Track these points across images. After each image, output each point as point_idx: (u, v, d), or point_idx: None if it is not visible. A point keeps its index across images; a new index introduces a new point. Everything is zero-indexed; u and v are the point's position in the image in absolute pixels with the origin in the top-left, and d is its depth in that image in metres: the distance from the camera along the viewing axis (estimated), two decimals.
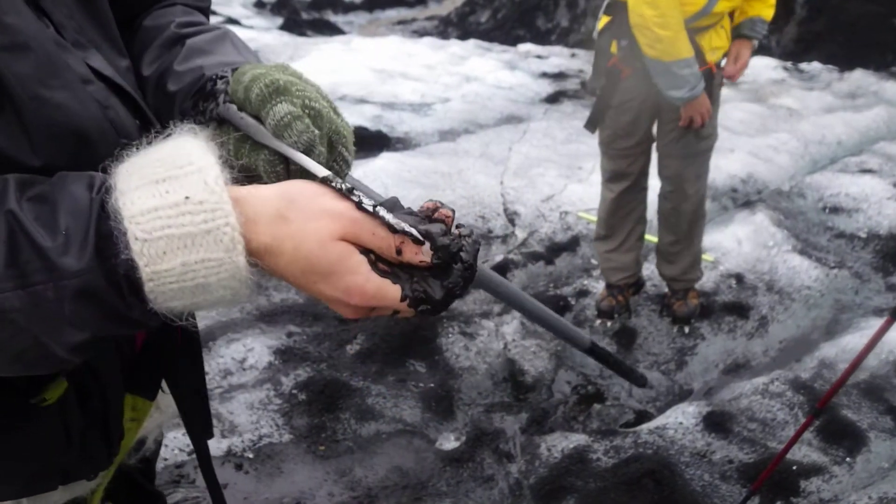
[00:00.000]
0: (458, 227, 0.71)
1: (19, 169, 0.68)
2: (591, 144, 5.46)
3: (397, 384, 3.04)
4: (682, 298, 3.48)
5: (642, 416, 3.05)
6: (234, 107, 0.79)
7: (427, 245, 0.67)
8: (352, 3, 15.19)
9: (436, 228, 0.68)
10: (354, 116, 5.96)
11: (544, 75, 7.71)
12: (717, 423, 2.82)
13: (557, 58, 8.61)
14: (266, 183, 0.76)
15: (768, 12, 3.10)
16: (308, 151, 0.75)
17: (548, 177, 4.82)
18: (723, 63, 3.13)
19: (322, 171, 0.71)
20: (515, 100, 6.85)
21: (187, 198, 0.63)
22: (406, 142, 5.73)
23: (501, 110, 6.51)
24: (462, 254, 0.68)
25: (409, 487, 2.59)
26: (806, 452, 2.69)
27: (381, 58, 7.84)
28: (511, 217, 4.40)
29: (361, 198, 0.67)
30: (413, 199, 4.51)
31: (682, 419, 2.84)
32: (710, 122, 3.09)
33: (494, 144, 5.46)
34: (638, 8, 2.75)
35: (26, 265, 0.61)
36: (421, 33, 12.72)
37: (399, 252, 0.67)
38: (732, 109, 6.30)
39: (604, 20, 3.08)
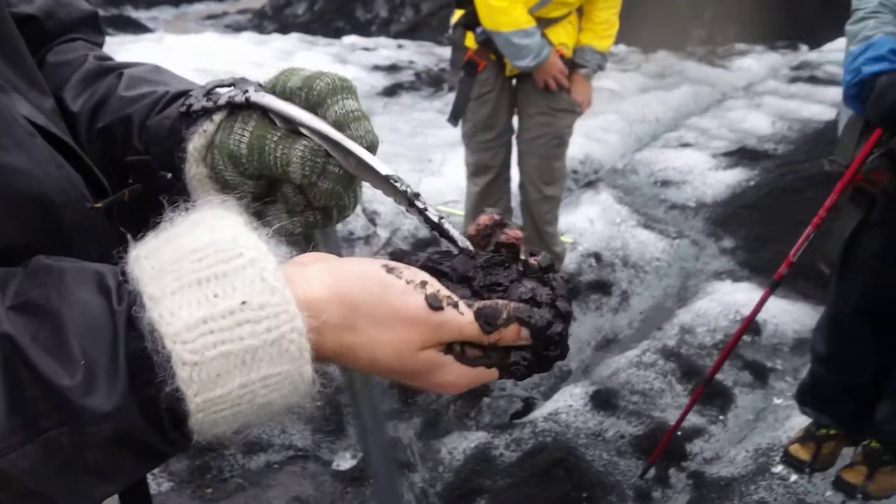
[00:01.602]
0: (531, 254, 0.61)
1: None
2: (437, 137, 5.50)
3: None
4: None
5: (530, 404, 3.11)
6: (272, 95, 0.67)
7: (528, 332, 0.56)
8: None
9: (525, 290, 0.57)
10: None
11: (377, 68, 7.66)
12: (603, 400, 2.94)
13: (385, 49, 8.58)
14: (284, 183, 0.66)
15: (601, 44, 3.16)
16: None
17: (400, 172, 4.71)
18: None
19: (385, 169, 0.61)
20: None
21: (244, 303, 0.49)
22: None
23: None
24: (562, 320, 0.58)
25: None
26: (686, 417, 2.87)
27: (201, 56, 7.42)
28: (371, 217, 4.33)
29: (437, 276, 0.55)
30: None
31: (570, 402, 2.93)
32: (569, 129, 3.20)
33: None
34: None
35: (34, 409, 0.46)
36: (236, 28, 12.23)
37: (494, 345, 0.57)
38: None
39: (457, 14, 3.10)
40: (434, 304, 0.54)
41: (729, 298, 3.64)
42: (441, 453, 2.72)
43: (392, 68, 7.74)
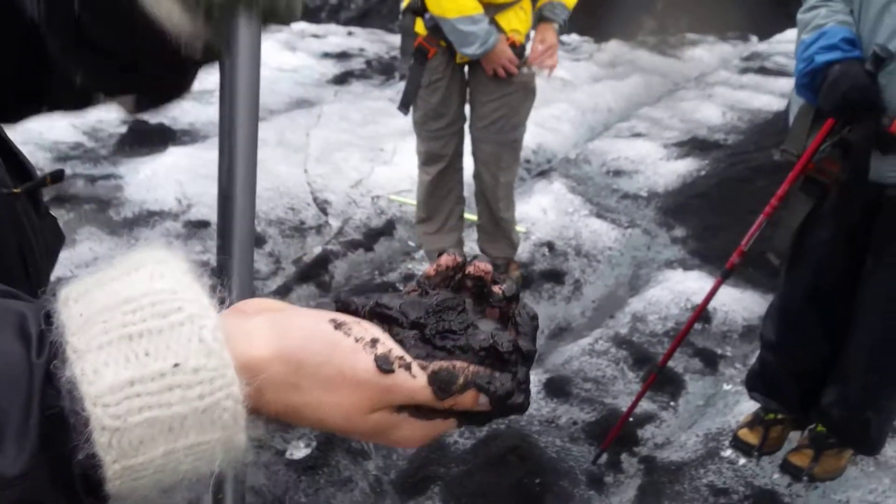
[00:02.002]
0: (494, 282, 0.57)
1: None
2: (389, 125, 5.44)
3: None
4: (505, 272, 3.58)
5: None
6: None
7: (486, 399, 0.52)
8: None
9: (484, 338, 0.52)
10: None
11: (327, 56, 7.55)
12: (556, 388, 2.95)
13: (335, 37, 8.46)
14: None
15: (569, 1, 3.15)
16: None
17: (352, 161, 4.73)
18: (528, 53, 3.17)
19: None
20: (302, 82, 6.64)
21: (177, 365, 0.45)
22: (193, 134, 5.34)
23: (290, 94, 6.28)
24: (521, 391, 0.53)
25: None
26: (638, 404, 2.89)
27: None
28: (322, 206, 4.26)
29: (388, 352, 0.50)
30: (214, 195, 4.20)
31: None
32: (522, 113, 3.19)
33: (290, 131, 5.25)
34: None
35: None
36: None
37: (448, 410, 0.53)
38: None
39: None
40: (384, 366, 0.50)
41: (680, 287, 3.68)
42: None
43: (342, 56, 7.64)
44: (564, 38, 9.12)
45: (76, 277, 0.49)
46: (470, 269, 0.57)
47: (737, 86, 7.03)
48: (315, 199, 4.32)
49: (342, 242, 3.96)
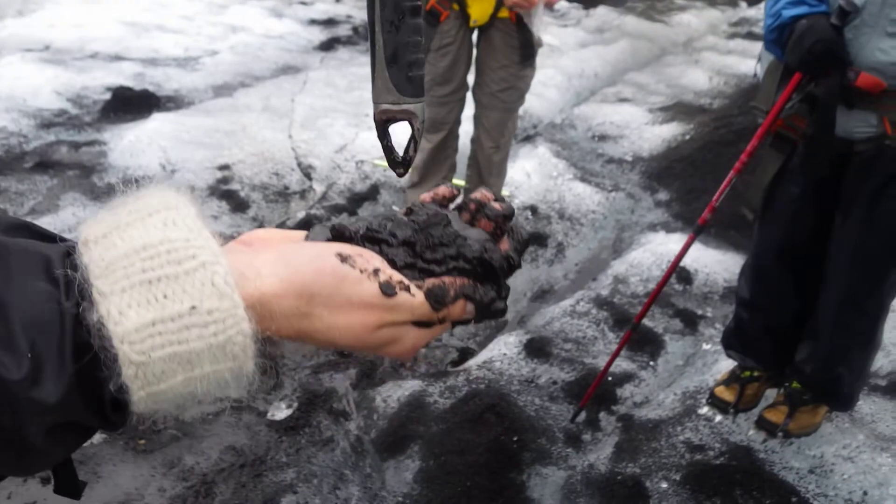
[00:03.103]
0: (496, 199, 0.65)
1: None
2: None
3: None
4: None
5: (466, 354, 3.13)
6: None
7: (472, 307, 0.61)
8: None
9: (476, 247, 0.61)
10: (112, 75, 5.39)
11: (313, 22, 7.47)
12: (537, 348, 2.97)
13: (322, 4, 8.37)
14: None
15: None
16: None
17: (337, 126, 4.71)
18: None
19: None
20: (288, 49, 6.57)
21: (193, 307, 0.50)
22: (178, 100, 5.29)
23: (276, 60, 6.22)
24: (499, 296, 0.63)
25: (248, 465, 2.46)
26: (617, 363, 2.92)
27: (131, 10, 7.13)
28: (306, 171, 4.25)
29: (389, 279, 0.58)
30: (199, 161, 4.21)
31: (505, 350, 2.96)
32: (527, 82, 3.15)
33: (275, 97, 5.22)
34: None
35: None
36: None
37: (442, 319, 0.61)
38: None
39: None
40: (387, 291, 0.57)
41: (662, 249, 3.71)
42: (376, 402, 2.72)
43: (329, 22, 7.56)
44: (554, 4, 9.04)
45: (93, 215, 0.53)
46: (476, 195, 0.64)
47: (724, 51, 7.01)
48: (299, 165, 4.31)
49: (326, 207, 3.96)
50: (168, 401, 0.51)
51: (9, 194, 3.86)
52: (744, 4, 8.96)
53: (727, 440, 2.60)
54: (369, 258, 0.59)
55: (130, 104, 5.04)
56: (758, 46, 7.29)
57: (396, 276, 0.58)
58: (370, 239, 0.61)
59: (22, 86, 4.95)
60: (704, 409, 2.72)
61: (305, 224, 3.78)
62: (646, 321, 3.20)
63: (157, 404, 0.51)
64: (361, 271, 0.57)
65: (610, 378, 2.84)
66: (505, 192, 4.08)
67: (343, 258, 0.57)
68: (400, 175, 0.71)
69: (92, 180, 4.11)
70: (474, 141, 3.37)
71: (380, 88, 0.63)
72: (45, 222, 3.67)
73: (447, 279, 0.60)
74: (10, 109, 4.65)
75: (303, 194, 4.10)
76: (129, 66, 5.69)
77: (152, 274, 0.50)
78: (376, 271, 0.57)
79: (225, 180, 4.08)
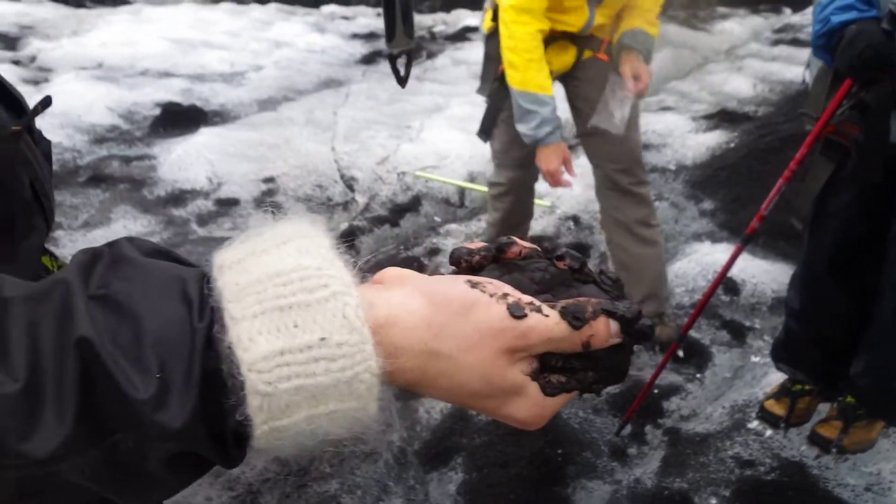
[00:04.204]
0: (560, 258, 0.57)
1: None
2: (415, 103, 5.45)
3: None
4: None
5: None
6: None
7: (617, 325, 0.54)
8: None
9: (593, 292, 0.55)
10: (161, 91, 5.53)
11: (355, 36, 7.57)
12: None
13: (364, 18, 8.48)
14: None
15: (652, 29, 2.82)
16: None
17: (379, 138, 4.75)
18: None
19: None
20: (331, 63, 6.67)
21: (323, 339, 0.49)
22: (224, 115, 5.41)
23: (318, 74, 6.32)
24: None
25: (292, 475, 2.49)
26: (663, 375, 2.88)
27: (178, 27, 7.32)
28: (349, 183, 4.30)
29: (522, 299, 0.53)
30: (244, 174, 4.29)
31: None
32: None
33: (318, 110, 5.30)
34: (502, 24, 2.64)
35: (103, 415, 0.45)
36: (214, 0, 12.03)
37: (587, 345, 0.54)
38: None
39: (488, 21, 2.88)
40: (516, 312, 0.52)
41: (708, 259, 3.65)
42: (419, 413, 2.72)
43: (370, 36, 7.65)
44: None
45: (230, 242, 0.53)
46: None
47: (768, 58, 6.89)
48: (342, 177, 4.36)
49: (368, 218, 3.99)
50: (288, 438, 0.50)
51: (63, 208, 3.97)
52: (788, 10, 8.82)
53: (778, 455, 2.54)
54: (499, 284, 0.55)
55: (179, 119, 5.16)
56: (803, 53, 7.18)
57: (526, 298, 0.54)
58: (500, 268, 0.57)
59: (76, 103, 5.11)
60: (754, 424, 2.66)
61: (348, 235, 3.81)
62: (694, 333, 3.15)
63: (279, 440, 0.49)
64: (491, 295, 0.53)
65: (656, 391, 2.80)
66: (546, 202, 4.06)
67: (473, 284, 0.54)
68: (403, 87, 0.85)
69: (142, 193, 4.21)
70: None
71: (398, 38, 0.83)
72: (98, 235, 3.77)
73: (581, 297, 0.54)
74: (65, 125, 4.80)
75: (345, 206, 4.14)
76: (178, 83, 5.83)
77: (284, 301, 0.49)
78: (505, 295, 0.53)
79: (269, 192, 4.14)
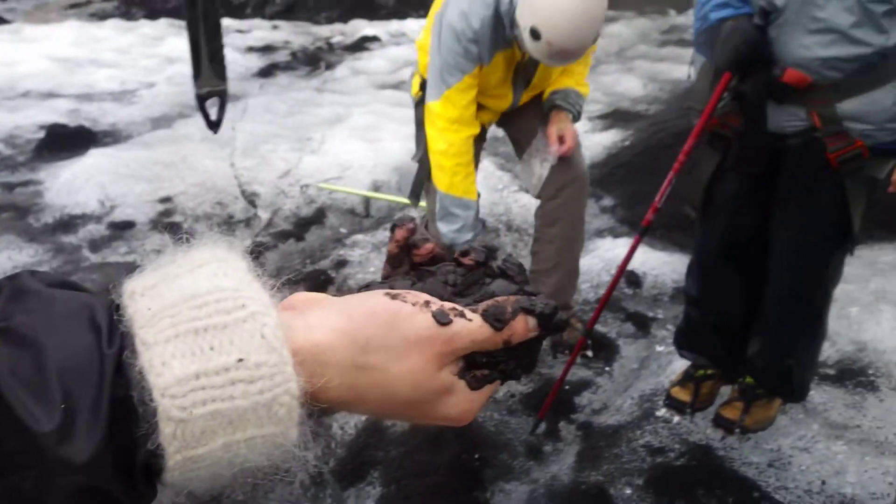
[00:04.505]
0: (464, 254, 0.60)
1: None
2: (316, 114, 5.38)
3: None
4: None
5: None
6: None
7: (535, 321, 0.57)
8: None
9: (503, 287, 0.58)
10: (45, 113, 5.26)
11: (251, 49, 7.43)
12: None
13: (259, 31, 8.34)
14: None
15: (584, 90, 2.84)
16: None
17: (279, 152, 4.67)
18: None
19: None
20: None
21: (241, 360, 0.46)
22: (115, 134, 5.19)
23: None
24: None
25: None
26: (573, 371, 2.92)
27: (62, 46, 7.00)
28: (250, 199, 4.19)
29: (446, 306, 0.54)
30: (139, 195, 4.12)
31: None
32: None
33: None
34: (431, 127, 2.61)
35: (3, 451, 0.42)
36: (101, 16, 11.56)
37: (508, 343, 0.56)
38: None
39: (417, 90, 2.85)
40: (442, 319, 0.53)
41: (610, 254, 3.74)
42: (333, 429, 2.67)
43: (267, 49, 7.53)
44: None
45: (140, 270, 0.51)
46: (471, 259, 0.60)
47: (656, 58, 7.16)
48: (243, 192, 4.25)
49: (272, 234, 3.90)
50: (204, 468, 0.47)
51: None
52: (673, 12, 9.19)
53: (687, 440, 2.61)
54: (417, 294, 0.55)
55: (65, 141, 4.93)
56: (689, 52, 7.47)
57: (448, 305, 0.55)
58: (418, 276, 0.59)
59: None
60: (662, 411, 2.74)
61: (252, 252, 3.71)
62: (599, 326, 3.22)
63: (193, 472, 0.47)
64: (413, 304, 0.53)
65: (567, 387, 2.84)
66: None
67: (393, 296, 0.54)
68: (215, 133, 0.78)
69: (27, 221, 3.99)
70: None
71: (205, 77, 0.76)
72: None
73: (500, 298, 0.56)
74: None
75: (248, 222, 4.04)
76: (63, 103, 5.57)
77: (199, 323, 0.47)
78: (427, 303, 0.54)
79: (167, 213, 4.00)
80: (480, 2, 2.44)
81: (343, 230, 4.01)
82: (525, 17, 2.33)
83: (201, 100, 1.10)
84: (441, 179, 2.66)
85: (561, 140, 2.77)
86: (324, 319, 0.52)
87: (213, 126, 1.11)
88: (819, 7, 1.90)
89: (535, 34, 2.31)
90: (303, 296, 0.57)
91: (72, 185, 4.23)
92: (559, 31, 2.27)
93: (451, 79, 2.52)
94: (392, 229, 0.60)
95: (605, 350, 3.10)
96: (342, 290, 3.52)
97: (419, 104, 2.87)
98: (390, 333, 0.52)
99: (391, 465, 2.46)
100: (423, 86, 2.80)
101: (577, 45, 2.35)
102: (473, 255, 0.59)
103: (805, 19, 1.93)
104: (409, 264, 0.61)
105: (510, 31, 2.46)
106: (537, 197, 2.97)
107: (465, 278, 0.58)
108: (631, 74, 6.65)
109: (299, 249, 3.87)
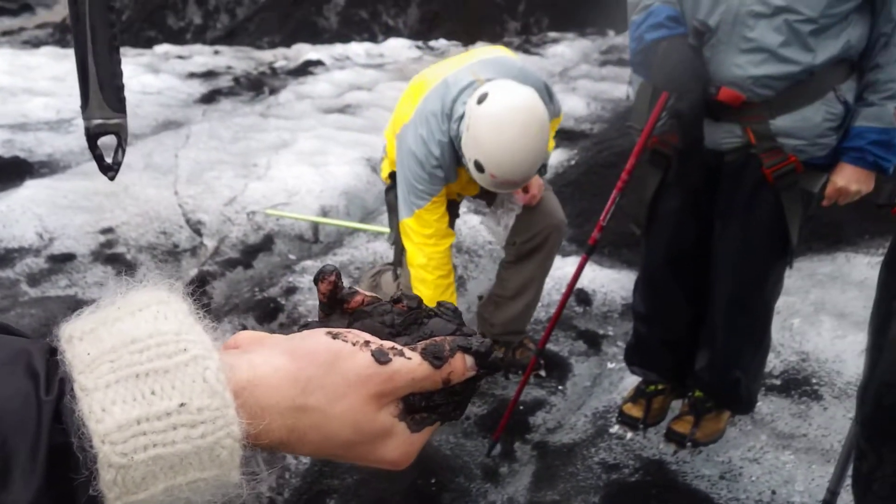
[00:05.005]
0: (397, 301, 0.61)
1: None
2: (261, 140, 5.33)
3: None
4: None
5: None
6: None
7: (472, 360, 0.57)
8: None
9: (441, 326, 0.58)
10: None
11: (192, 75, 7.33)
12: None
13: (200, 56, 8.25)
14: None
15: (549, 144, 2.81)
16: None
17: (224, 179, 4.60)
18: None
19: None
20: (167, 104, 6.41)
21: (183, 405, 0.46)
22: (52, 165, 5.05)
23: (155, 117, 6.05)
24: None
25: None
26: (527, 391, 2.93)
27: None
28: (195, 227, 4.12)
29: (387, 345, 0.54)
30: (79, 226, 4.01)
31: None
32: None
33: (157, 153, 5.06)
34: (408, 241, 2.64)
35: None
36: (35, 44, 11.30)
37: (447, 382, 0.56)
38: (387, 89, 6.58)
39: (387, 171, 2.87)
40: (381, 358, 0.53)
41: (559, 273, 3.76)
42: (287, 459, 2.62)
43: (209, 75, 7.44)
44: (433, 43, 9.22)
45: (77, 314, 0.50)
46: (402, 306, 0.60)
47: (598, 78, 7.31)
48: (188, 221, 4.17)
49: (219, 262, 3.83)
50: None
51: None
52: (612, 32, 9.42)
53: (640, 456, 2.64)
54: (358, 333, 0.56)
55: (0, 173, 4.77)
56: (628, 72, 7.68)
57: (388, 344, 0.55)
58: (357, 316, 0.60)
59: None
60: (615, 428, 2.76)
61: (199, 281, 3.64)
62: (550, 346, 3.24)
63: None
64: (353, 344, 0.53)
65: (521, 407, 2.85)
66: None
67: (334, 335, 0.54)
68: (111, 179, 0.74)
69: None
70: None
71: (93, 107, 0.68)
72: None
73: (438, 337, 0.57)
74: None
75: (194, 251, 3.96)
76: None
77: (140, 368, 0.47)
78: (367, 342, 0.54)
79: (109, 244, 3.89)
80: (437, 128, 2.48)
81: (292, 256, 3.96)
82: (469, 150, 2.39)
83: (91, 137, 0.83)
84: (424, 293, 2.67)
85: (525, 189, 2.82)
86: (266, 359, 0.52)
87: (107, 170, 0.86)
88: (749, 28, 1.97)
89: (478, 167, 2.37)
90: (247, 335, 0.57)
91: (7, 217, 4.09)
92: (501, 166, 2.33)
93: (420, 201, 2.58)
94: (315, 282, 0.60)
95: (558, 369, 3.12)
96: (293, 317, 3.48)
97: (390, 189, 2.91)
98: (330, 373, 0.52)
99: (347, 494, 2.43)
100: (392, 174, 2.84)
101: (520, 177, 2.41)
102: (406, 301, 0.60)
103: (737, 39, 1.99)
104: (341, 311, 0.61)
105: (461, 156, 2.50)
106: (504, 246, 3.03)
107: (404, 318, 0.59)
108: (574, 94, 6.77)
109: (248, 277, 3.81)
